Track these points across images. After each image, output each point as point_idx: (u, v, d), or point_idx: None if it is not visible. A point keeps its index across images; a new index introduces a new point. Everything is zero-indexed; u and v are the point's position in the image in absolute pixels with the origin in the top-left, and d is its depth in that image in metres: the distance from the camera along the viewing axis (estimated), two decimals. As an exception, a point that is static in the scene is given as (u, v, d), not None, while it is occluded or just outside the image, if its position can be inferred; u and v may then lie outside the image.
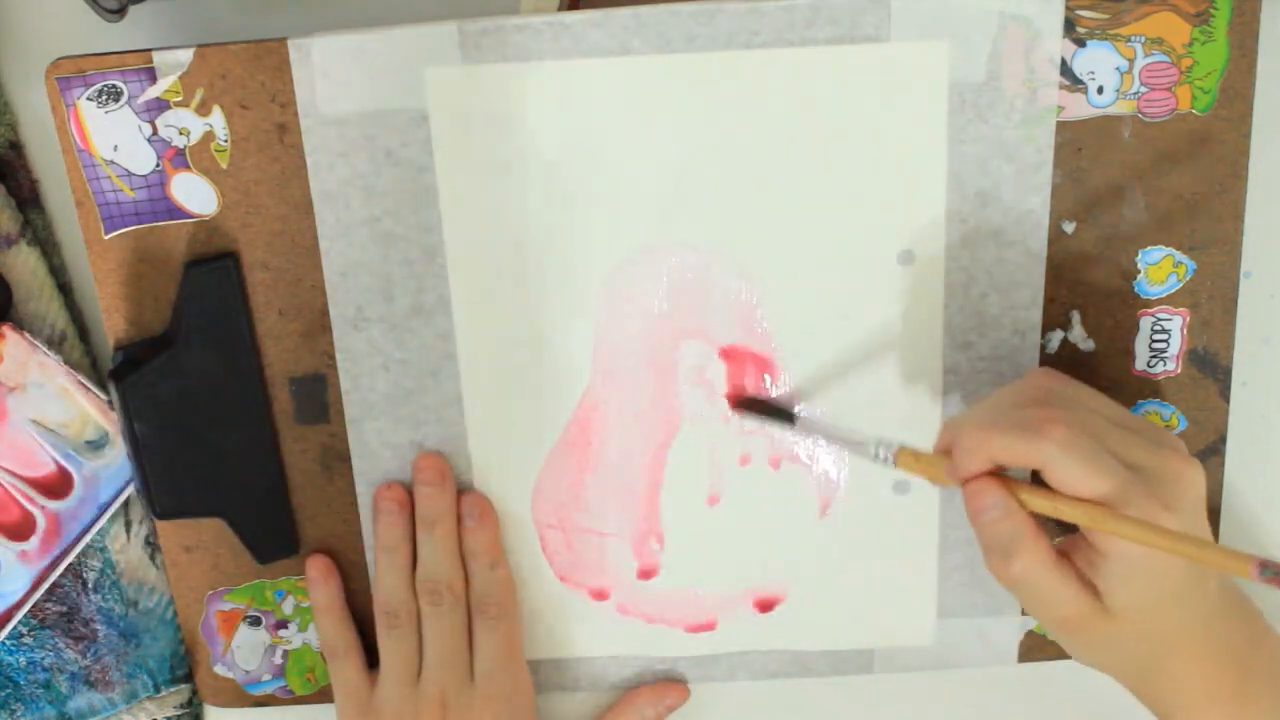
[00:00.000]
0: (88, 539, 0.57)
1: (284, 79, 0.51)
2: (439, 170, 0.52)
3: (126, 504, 0.58)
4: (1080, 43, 0.51)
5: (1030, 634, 0.59)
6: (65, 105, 0.51)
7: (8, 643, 0.59)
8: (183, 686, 0.60)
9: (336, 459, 0.57)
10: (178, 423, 0.55)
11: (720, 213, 0.53)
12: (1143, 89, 0.51)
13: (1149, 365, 0.55)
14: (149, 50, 0.51)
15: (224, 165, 0.53)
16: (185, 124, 0.52)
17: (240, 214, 0.53)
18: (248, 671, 0.60)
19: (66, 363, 0.55)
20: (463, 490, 0.57)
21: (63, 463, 0.56)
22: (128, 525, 0.58)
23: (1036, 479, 0.46)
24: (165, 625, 0.59)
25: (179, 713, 0.61)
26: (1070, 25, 0.51)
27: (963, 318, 0.54)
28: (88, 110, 0.51)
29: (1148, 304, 0.55)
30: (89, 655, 0.59)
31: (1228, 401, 0.56)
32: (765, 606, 0.59)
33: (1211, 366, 0.55)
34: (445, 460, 0.56)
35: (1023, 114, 0.52)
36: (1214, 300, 0.54)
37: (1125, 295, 0.54)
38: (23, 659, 0.59)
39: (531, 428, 0.56)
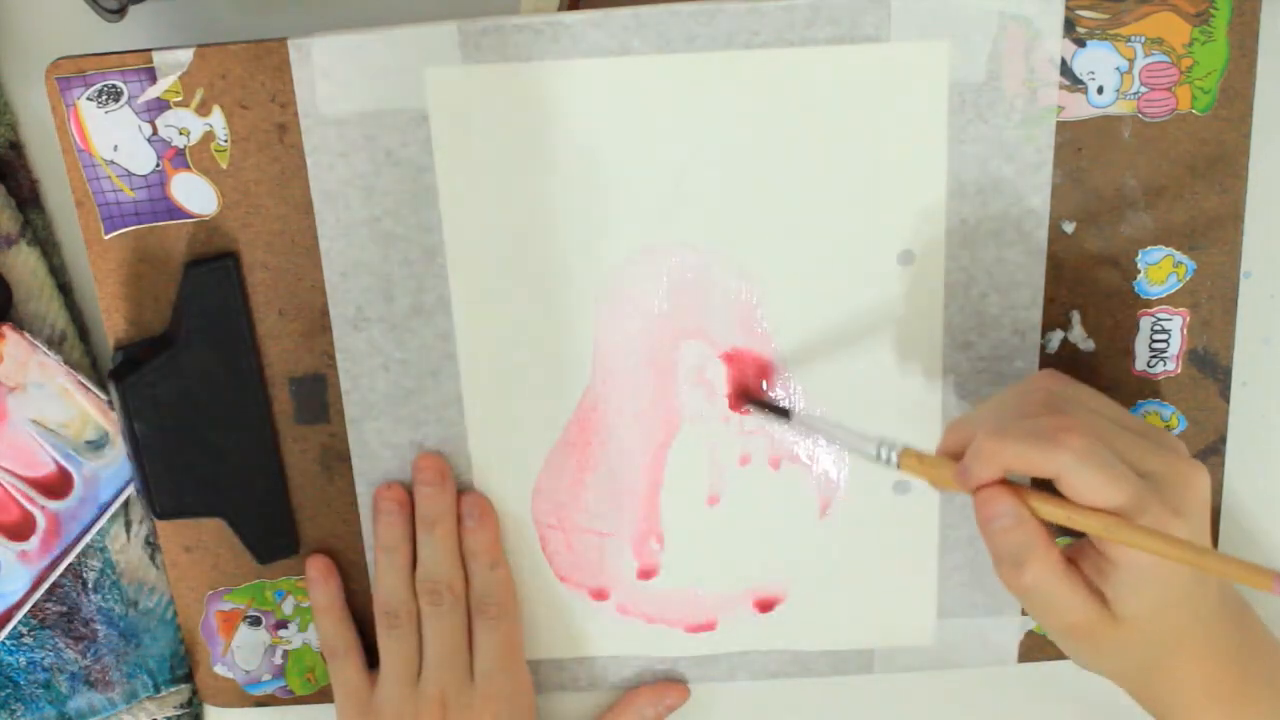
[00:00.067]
0: (88, 539, 0.57)
1: (284, 79, 0.51)
2: (439, 170, 0.52)
3: (126, 504, 0.58)
4: (1080, 43, 0.51)
5: (1030, 634, 0.59)
6: (65, 105, 0.51)
7: (8, 643, 0.59)
8: (183, 686, 0.60)
9: (336, 459, 0.57)
10: (178, 423, 0.55)
11: (720, 213, 0.53)
12: (1143, 89, 0.51)
13: (1149, 365, 0.55)
14: (149, 50, 0.51)
15: (224, 165, 0.53)
16: (185, 124, 0.52)
17: (240, 214, 0.53)
18: (248, 671, 0.60)
19: (66, 363, 0.55)
20: (463, 490, 0.57)
21: (63, 463, 0.56)
22: (128, 525, 0.58)
23: (1039, 484, 0.46)
24: (165, 625, 0.59)
25: (179, 713, 0.61)
26: (1070, 25, 0.51)
27: (963, 318, 0.54)
28: (88, 110, 0.51)
29: (1148, 304, 0.55)
30: (89, 655, 0.59)
31: (1228, 401, 0.56)
32: (765, 606, 0.59)
33: (1211, 366, 0.55)
34: (445, 460, 0.56)
35: (1023, 114, 0.52)
36: (1214, 300, 0.54)
37: (1125, 295, 0.54)
38: (23, 659, 0.59)
39: (531, 428, 0.56)
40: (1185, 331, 0.55)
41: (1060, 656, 0.51)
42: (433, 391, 0.55)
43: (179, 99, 0.52)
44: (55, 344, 0.56)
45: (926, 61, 0.51)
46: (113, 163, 0.52)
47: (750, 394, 0.55)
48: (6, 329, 0.55)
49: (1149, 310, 0.55)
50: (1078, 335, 0.55)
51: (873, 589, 0.58)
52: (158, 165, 0.52)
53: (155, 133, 0.52)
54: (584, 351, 0.55)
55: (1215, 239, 0.54)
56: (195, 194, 0.53)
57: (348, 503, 0.57)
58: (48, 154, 0.55)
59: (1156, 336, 0.55)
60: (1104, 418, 0.47)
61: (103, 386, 0.56)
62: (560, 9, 0.52)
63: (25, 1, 0.54)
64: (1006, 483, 0.47)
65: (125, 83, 0.51)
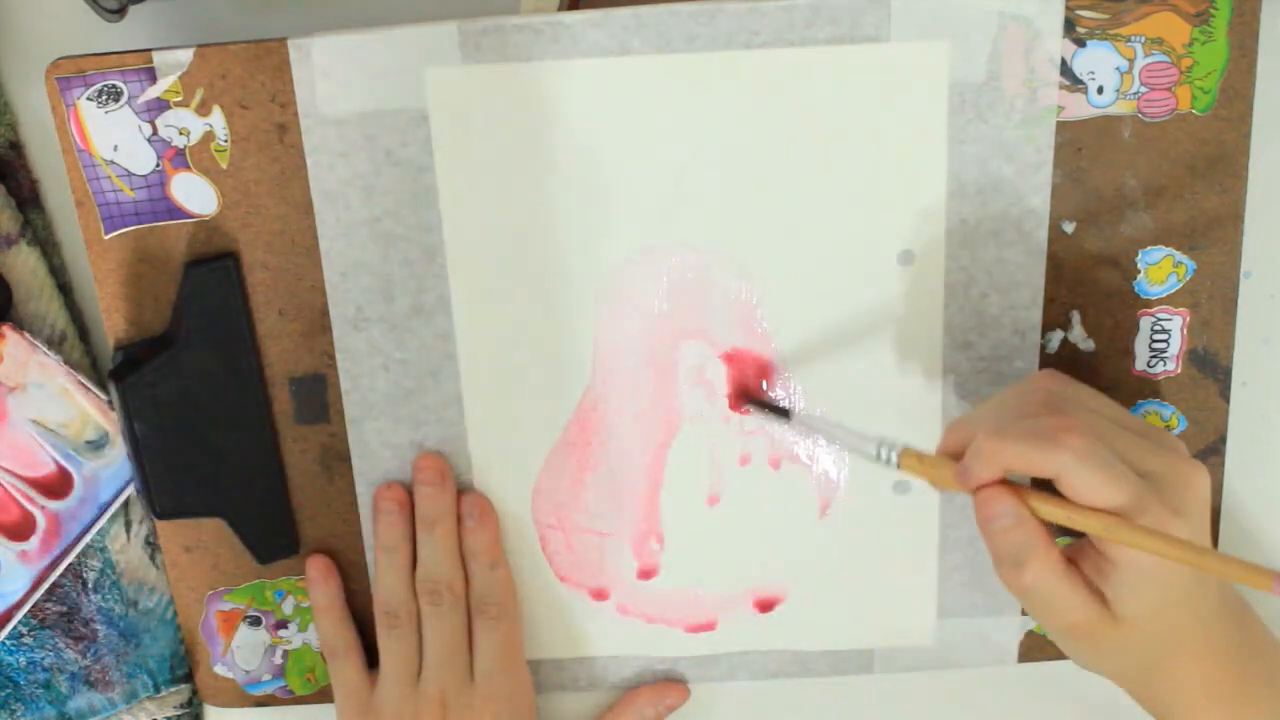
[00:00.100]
0: (88, 539, 0.57)
1: (284, 79, 0.51)
2: (439, 170, 0.52)
3: (126, 504, 0.58)
4: (1080, 43, 0.51)
5: (1030, 634, 0.59)
6: (65, 105, 0.51)
7: (8, 643, 0.59)
8: (183, 686, 0.60)
9: (336, 459, 0.57)
10: (178, 423, 0.55)
11: (720, 213, 0.53)
12: (1143, 89, 0.51)
13: (1149, 365, 0.55)
14: (149, 50, 0.51)
15: (224, 165, 0.53)
16: (185, 124, 0.52)
17: (240, 214, 0.53)
18: (248, 671, 0.60)
19: (66, 363, 0.55)
20: (463, 490, 0.57)
21: (63, 463, 0.56)
22: (128, 525, 0.58)
23: (1039, 484, 0.46)
24: (165, 625, 0.59)
25: (179, 713, 0.61)
26: (1070, 25, 0.51)
27: (963, 318, 0.54)
28: (88, 110, 0.51)
29: (1148, 304, 0.55)
30: (89, 655, 0.59)
31: (1228, 401, 0.56)
32: (765, 606, 0.59)
33: (1211, 366, 0.55)
34: (445, 460, 0.56)
35: (1023, 114, 0.52)
36: (1214, 300, 0.54)
37: (1125, 295, 0.54)
38: (23, 659, 0.59)
39: (531, 428, 0.56)
40: (1185, 331, 0.55)
41: (1060, 656, 0.51)
42: (433, 391, 0.55)
43: (179, 99, 0.52)
44: (55, 344, 0.56)
45: (926, 61, 0.51)
46: (113, 163, 0.52)
47: (750, 394, 0.55)
48: (6, 329, 0.55)
49: (1149, 310, 0.55)
50: (1078, 335, 0.55)
51: (873, 589, 0.58)
52: (158, 165, 0.52)
53: (155, 133, 0.52)
54: (584, 351, 0.55)
55: (1215, 239, 0.54)
56: (195, 194, 0.53)
57: (348, 503, 0.57)
58: (48, 154, 0.55)
59: (1156, 336, 0.55)
60: (1104, 418, 0.47)
61: (103, 386, 0.56)
62: (560, 9, 0.52)
63: (25, 1, 0.54)
64: (1006, 483, 0.47)
65: (125, 83, 0.51)
